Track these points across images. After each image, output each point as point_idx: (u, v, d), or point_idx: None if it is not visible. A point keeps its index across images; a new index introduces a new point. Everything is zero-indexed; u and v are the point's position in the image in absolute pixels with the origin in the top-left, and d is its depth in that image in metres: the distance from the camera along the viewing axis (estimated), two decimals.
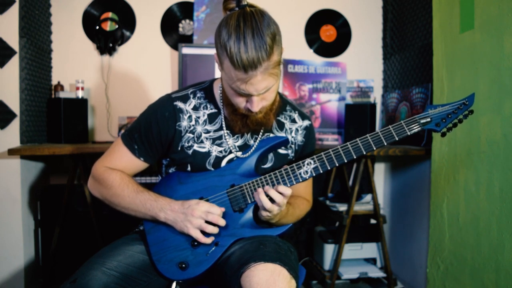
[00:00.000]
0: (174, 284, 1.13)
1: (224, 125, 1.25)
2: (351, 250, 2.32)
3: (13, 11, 1.90)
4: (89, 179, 1.29)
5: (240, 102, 1.13)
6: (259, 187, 1.18)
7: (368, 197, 2.32)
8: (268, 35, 1.02)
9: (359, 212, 2.24)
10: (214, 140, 1.24)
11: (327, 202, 2.37)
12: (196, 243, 1.15)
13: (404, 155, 2.12)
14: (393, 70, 2.62)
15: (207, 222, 1.13)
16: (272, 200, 1.14)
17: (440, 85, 1.92)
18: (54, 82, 2.36)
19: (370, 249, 2.36)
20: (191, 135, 1.24)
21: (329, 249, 2.29)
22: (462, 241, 1.78)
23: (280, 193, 1.14)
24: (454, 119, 1.15)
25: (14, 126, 1.93)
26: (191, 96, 1.27)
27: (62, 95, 2.20)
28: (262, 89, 1.08)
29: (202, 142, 1.24)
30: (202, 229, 1.13)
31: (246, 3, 1.08)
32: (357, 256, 2.36)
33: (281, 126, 1.32)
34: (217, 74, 2.33)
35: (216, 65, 2.30)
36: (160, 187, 1.25)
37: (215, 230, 1.13)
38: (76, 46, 2.41)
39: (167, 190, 1.23)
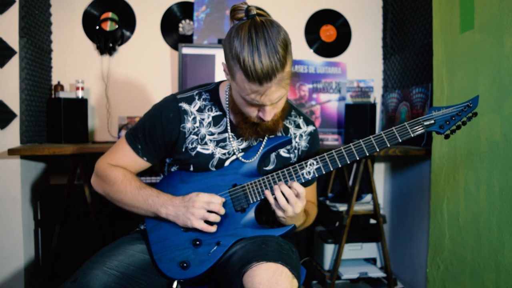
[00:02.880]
0: (175, 284, 1.13)
1: (229, 128, 1.25)
2: (351, 250, 2.33)
3: (13, 11, 1.90)
4: (92, 176, 1.30)
5: (252, 111, 1.13)
6: (261, 187, 1.18)
7: (368, 197, 2.32)
8: (281, 46, 1.02)
9: (359, 212, 2.25)
10: (218, 142, 1.24)
11: (327, 202, 2.37)
12: (197, 243, 1.15)
13: (404, 155, 2.12)
14: (393, 70, 2.62)
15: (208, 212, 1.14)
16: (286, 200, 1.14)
17: (440, 85, 1.92)
18: (54, 82, 2.36)
19: (370, 249, 2.36)
20: (195, 137, 1.23)
21: (329, 249, 2.29)
22: (462, 241, 1.78)
23: (293, 188, 1.14)
24: (458, 122, 1.15)
25: (14, 126, 1.93)
26: (196, 97, 1.26)
27: (62, 95, 2.19)
28: (276, 99, 1.08)
29: (206, 144, 1.24)
30: (205, 218, 1.13)
31: (255, 12, 1.06)
32: (357, 256, 2.36)
33: (286, 130, 1.31)
34: (217, 74, 2.33)
35: (217, 66, 2.33)
36: (162, 186, 1.25)
37: (217, 218, 1.14)
38: (76, 46, 2.41)
39: (169, 189, 1.23)
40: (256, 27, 1.02)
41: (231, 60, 1.05)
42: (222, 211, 1.15)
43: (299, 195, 1.14)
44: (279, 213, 1.15)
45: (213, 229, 1.14)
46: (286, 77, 1.06)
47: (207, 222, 1.15)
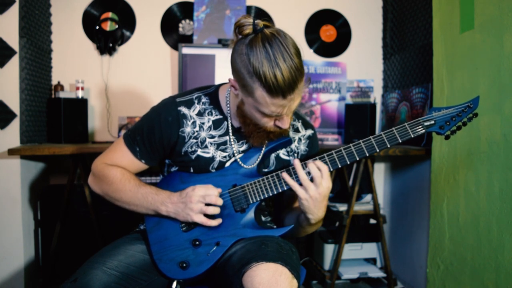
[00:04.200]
0: (174, 284, 1.13)
1: (230, 131, 1.24)
2: (351, 250, 2.33)
3: (13, 11, 1.90)
4: (89, 176, 1.29)
5: (268, 121, 1.13)
6: (261, 187, 1.18)
7: (368, 197, 2.32)
8: (296, 55, 1.02)
9: (359, 212, 2.25)
10: (218, 146, 1.24)
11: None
12: (197, 243, 1.15)
13: (404, 155, 2.12)
14: (393, 70, 2.62)
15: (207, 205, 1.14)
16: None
17: (440, 85, 1.92)
18: (54, 82, 2.36)
19: (370, 249, 2.36)
20: (195, 141, 1.23)
21: (329, 249, 2.29)
22: (462, 241, 1.78)
23: (316, 167, 1.11)
24: (458, 122, 1.14)
25: (14, 126, 1.93)
26: (196, 101, 1.25)
27: (62, 95, 2.19)
28: (295, 107, 1.09)
29: (206, 147, 1.23)
30: (204, 212, 1.13)
31: (262, 25, 1.05)
32: (357, 256, 2.36)
33: None
34: (217, 74, 2.33)
35: (217, 66, 2.33)
36: (162, 186, 1.25)
37: (216, 210, 1.14)
38: (76, 46, 2.41)
39: (169, 189, 1.22)
40: (269, 40, 1.01)
41: (248, 78, 1.04)
42: (220, 201, 1.14)
43: (322, 173, 1.11)
44: (302, 193, 1.12)
45: (213, 222, 1.14)
46: (304, 84, 1.07)
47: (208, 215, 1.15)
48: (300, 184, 1.12)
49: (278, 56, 1.00)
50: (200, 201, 1.13)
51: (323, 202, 1.15)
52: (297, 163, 1.13)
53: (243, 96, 1.10)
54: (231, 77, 1.12)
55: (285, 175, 1.14)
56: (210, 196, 1.13)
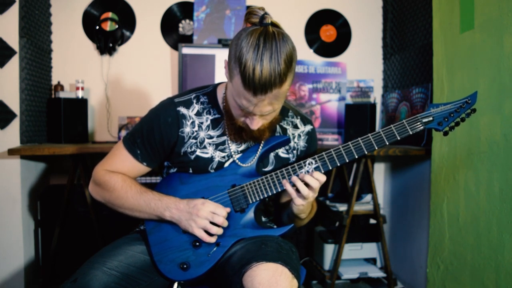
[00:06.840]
0: (175, 285, 1.13)
1: (227, 131, 1.24)
2: (351, 250, 2.33)
3: (13, 11, 1.90)
4: (90, 184, 1.29)
5: (240, 115, 1.13)
6: (260, 187, 1.18)
7: (368, 197, 2.32)
8: (285, 62, 1.00)
9: (359, 212, 2.24)
10: (217, 146, 1.24)
11: (327, 202, 2.37)
12: (197, 244, 1.15)
13: (404, 155, 2.12)
14: (393, 70, 2.62)
15: (211, 222, 1.13)
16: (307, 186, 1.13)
17: (440, 85, 1.92)
18: (54, 82, 2.36)
19: (370, 249, 2.36)
20: (194, 141, 1.23)
21: (329, 249, 2.29)
22: (462, 241, 1.78)
23: (315, 179, 1.12)
24: (457, 118, 1.14)
25: (14, 126, 1.93)
26: (194, 101, 1.25)
27: (62, 95, 2.19)
28: (266, 112, 1.07)
29: (205, 147, 1.23)
30: (207, 229, 1.13)
31: (270, 21, 1.04)
32: (357, 256, 2.36)
33: (284, 132, 1.31)
34: (217, 74, 2.33)
35: (217, 66, 2.33)
36: (161, 187, 1.25)
37: (219, 231, 1.13)
38: (76, 46, 2.41)
39: (169, 190, 1.23)
40: (266, 37, 1.00)
41: (233, 62, 1.04)
42: (225, 224, 1.14)
43: (321, 182, 1.13)
44: (299, 201, 1.14)
45: (212, 239, 1.13)
46: (282, 95, 1.05)
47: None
48: (298, 192, 1.14)
49: (266, 53, 0.99)
50: (206, 218, 1.12)
51: (313, 202, 1.20)
52: (295, 179, 1.13)
53: (228, 79, 1.10)
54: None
55: (288, 187, 1.15)
56: (218, 217, 1.12)
